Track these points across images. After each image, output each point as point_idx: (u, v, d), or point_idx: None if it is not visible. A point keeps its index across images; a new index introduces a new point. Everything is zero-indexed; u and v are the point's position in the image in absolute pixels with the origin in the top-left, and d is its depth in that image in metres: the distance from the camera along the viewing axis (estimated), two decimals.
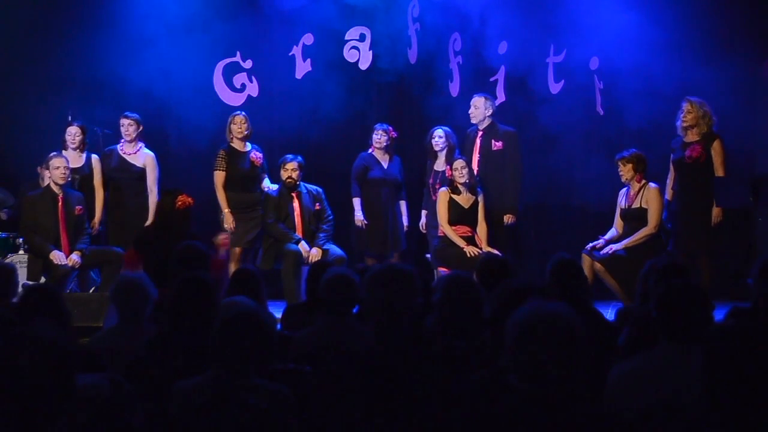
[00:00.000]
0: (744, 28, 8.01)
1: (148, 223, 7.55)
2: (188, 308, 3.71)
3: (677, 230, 7.09)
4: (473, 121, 7.77)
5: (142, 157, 7.68)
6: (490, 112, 7.75)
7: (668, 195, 7.18)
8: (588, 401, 2.63)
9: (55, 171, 7.09)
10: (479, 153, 7.70)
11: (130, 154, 7.67)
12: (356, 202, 7.88)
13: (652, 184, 7.06)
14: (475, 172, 7.57)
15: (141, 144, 7.71)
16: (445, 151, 7.74)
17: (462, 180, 7.35)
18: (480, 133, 7.77)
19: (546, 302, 2.62)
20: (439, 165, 7.76)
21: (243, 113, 7.82)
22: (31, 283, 6.64)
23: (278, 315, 5.29)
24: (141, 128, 7.68)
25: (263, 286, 4.79)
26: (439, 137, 7.77)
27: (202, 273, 4.05)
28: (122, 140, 7.72)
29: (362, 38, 8.80)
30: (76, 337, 4.91)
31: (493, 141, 7.71)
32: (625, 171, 7.07)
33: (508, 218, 7.63)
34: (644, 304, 4.36)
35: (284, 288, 7.27)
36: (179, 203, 6.58)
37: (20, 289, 5.09)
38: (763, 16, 8.23)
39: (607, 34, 8.27)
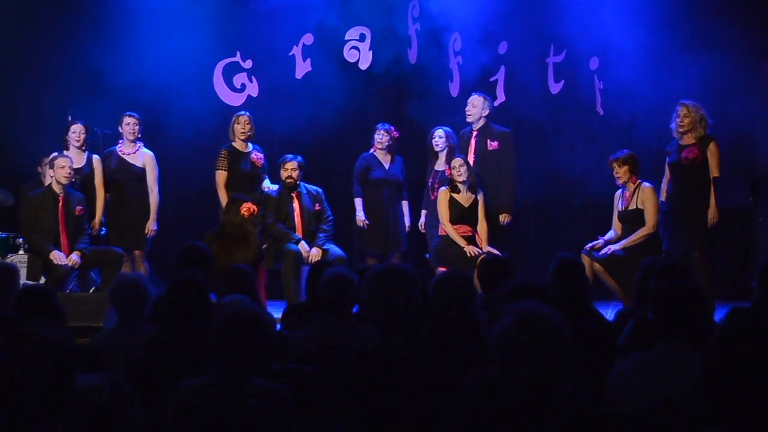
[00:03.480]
0: (744, 28, 8.01)
1: (149, 222, 7.57)
2: (181, 308, 3.71)
3: (672, 231, 7.09)
4: (469, 119, 7.77)
5: (141, 156, 7.68)
6: (486, 113, 7.75)
7: (662, 197, 7.18)
8: (586, 401, 2.63)
9: (60, 171, 7.08)
10: (474, 153, 7.70)
11: (129, 155, 7.66)
12: (358, 202, 7.89)
13: (645, 184, 7.06)
14: None
15: (140, 144, 7.71)
16: (445, 152, 7.75)
17: (461, 178, 7.35)
18: (475, 134, 7.77)
19: (524, 305, 2.63)
20: (440, 165, 7.77)
21: (247, 114, 7.82)
22: (30, 282, 6.65)
23: (278, 315, 5.29)
24: (141, 127, 7.69)
25: (257, 284, 4.80)
26: (439, 137, 7.77)
27: (196, 272, 4.04)
28: (121, 141, 7.72)
29: (362, 38, 8.80)
30: (73, 337, 4.91)
31: (488, 141, 7.72)
32: (622, 173, 7.06)
33: (503, 218, 7.63)
34: (641, 305, 4.36)
35: (284, 288, 7.27)
36: (244, 211, 6.63)
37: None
38: (763, 16, 8.23)
39: (607, 34, 8.28)
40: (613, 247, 6.95)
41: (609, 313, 6.27)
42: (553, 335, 2.54)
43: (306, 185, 7.65)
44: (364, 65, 8.80)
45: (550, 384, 2.51)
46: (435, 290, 3.60)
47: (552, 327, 2.55)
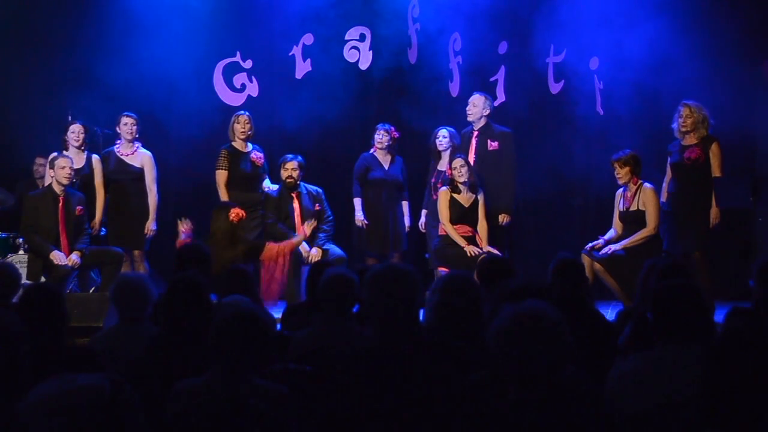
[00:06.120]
0: (744, 28, 8.01)
1: (148, 222, 7.57)
2: (182, 308, 3.71)
3: (672, 230, 7.09)
4: (470, 119, 7.78)
5: (139, 157, 7.68)
6: (487, 112, 7.75)
7: (663, 197, 7.18)
8: (585, 401, 2.63)
9: (60, 171, 7.08)
10: (475, 153, 7.71)
11: (127, 155, 7.66)
12: (357, 202, 7.89)
13: (647, 185, 7.05)
14: None
15: (138, 144, 7.71)
16: (448, 152, 7.75)
17: (462, 179, 7.35)
18: (476, 134, 7.78)
19: (522, 304, 2.63)
20: (442, 165, 7.76)
21: (247, 113, 7.82)
22: (30, 282, 6.64)
23: (278, 315, 5.29)
24: (138, 127, 7.70)
25: (256, 284, 4.80)
26: (443, 137, 7.78)
27: (196, 273, 4.04)
28: (119, 141, 7.72)
29: (362, 38, 8.81)
30: (73, 337, 4.91)
31: (489, 141, 7.72)
32: (623, 173, 7.05)
33: (503, 218, 7.63)
34: (643, 304, 4.35)
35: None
36: (233, 216, 6.63)
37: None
38: (763, 16, 8.24)
39: (607, 34, 8.28)
40: (613, 247, 6.95)
41: (609, 313, 6.28)
42: (551, 331, 2.55)
43: (306, 185, 7.65)
44: (364, 65, 8.80)
45: (548, 381, 2.51)
46: (442, 291, 3.60)
47: (549, 323, 2.55)
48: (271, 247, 6.81)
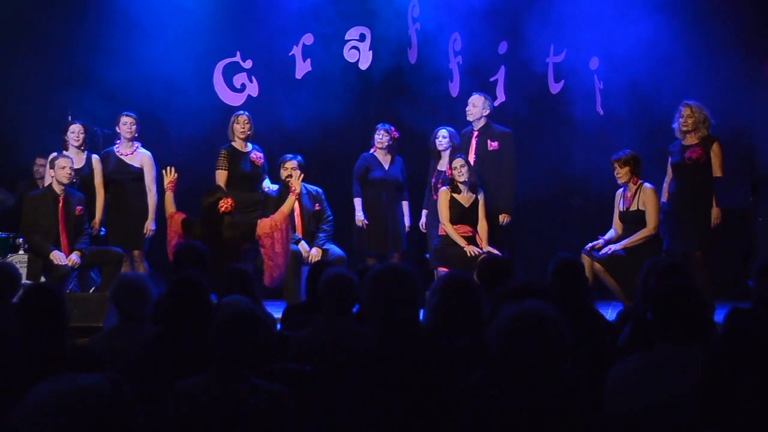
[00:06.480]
0: (744, 28, 8.01)
1: (147, 222, 7.58)
2: (182, 308, 3.71)
3: (673, 230, 7.09)
4: (469, 119, 7.78)
5: (138, 157, 7.68)
6: (487, 112, 7.75)
7: (664, 197, 7.18)
8: (585, 401, 2.63)
9: (61, 171, 7.09)
10: (475, 153, 7.71)
11: (127, 155, 7.66)
12: (357, 202, 7.89)
13: (647, 185, 7.05)
14: None
15: (137, 144, 7.71)
16: (448, 152, 7.75)
17: (462, 179, 7.36)
18: (476, 134, 7.78)
19: (522, 304, 2.64)
20: (442, 165, 7.77)
21: (246, 113, 7.82)
22: (30, 282, 6.63)
23: (278, 315, 5.29)
24: (137, 127, 7.70)
25: (256, 284, 4.81)
26: (443, 137, 7.78)
27: (196, 272, 4.04)
28: (118, 141, 7.72)
29: (362, 38, 8.81)
30: (73, 337, 4.91)
31: (488, 141, 7.72)
32: (623, 173, 7.05)
33: (503, 218, 7.63)
34: (644, 304, 4.36)
35: (284, 288, 7.27)
36: (222, 207, 6.61)
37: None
38: (763, 16, 8.24)
39: (607, 34, 8.28)
40: (613, 247, 6.94)
41: (609, 313, 6.28)
42: (551, 331, 2.55)
43: (306, 185, 7.65)
44: (364, 65, 8.80)
45: (548, 381, 2.51)
46: (442, 291, 3.60)
47: (549, 323, 2.55)
48: (264, 223, 6.77)
